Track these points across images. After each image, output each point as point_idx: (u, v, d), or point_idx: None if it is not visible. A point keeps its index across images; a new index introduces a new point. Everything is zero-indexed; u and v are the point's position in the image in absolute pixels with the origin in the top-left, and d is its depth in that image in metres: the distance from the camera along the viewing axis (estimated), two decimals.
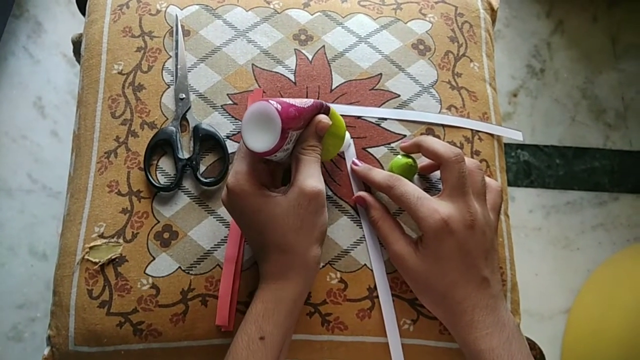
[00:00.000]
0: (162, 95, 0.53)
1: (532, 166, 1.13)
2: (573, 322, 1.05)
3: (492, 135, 0.56)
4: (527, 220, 1.11)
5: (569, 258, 1.10)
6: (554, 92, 1.19)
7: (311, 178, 0.43)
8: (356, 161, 0.52)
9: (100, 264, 0.48)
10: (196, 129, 0.51)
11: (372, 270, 0.50)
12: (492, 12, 0.63)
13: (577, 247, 1.11)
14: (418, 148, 0.49)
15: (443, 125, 0.54)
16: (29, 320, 0.99)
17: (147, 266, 0.49)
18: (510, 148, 1.13)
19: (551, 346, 1.04)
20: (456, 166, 0.46)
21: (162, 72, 0.54)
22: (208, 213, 0.50)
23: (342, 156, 0.52)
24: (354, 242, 0.50)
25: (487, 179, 0.50)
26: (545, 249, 1.10)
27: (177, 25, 0.55)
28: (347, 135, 0.50)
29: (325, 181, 0.51)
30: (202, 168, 0.51)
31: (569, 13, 1.25)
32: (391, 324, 0.49)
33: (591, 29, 1.25)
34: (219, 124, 0.52)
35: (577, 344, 1.03)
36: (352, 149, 0.53)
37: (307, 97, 0.53)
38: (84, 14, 0.62)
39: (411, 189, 0.47)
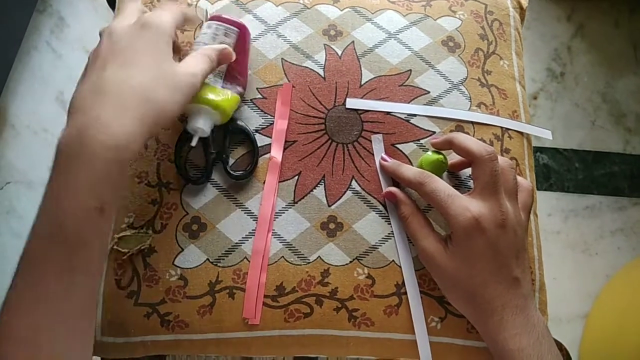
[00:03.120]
0: None
1: (551, 170, 1.12)
2: (591, 327, 1.04)
3: (521, 133, 0.56)
4: (545, 224, 1.10)
5: (588, 263, 1.09)
6: (574, 96, 1.18)
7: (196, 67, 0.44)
8: (385, 157, 0.51)
9: (129, 254, 0.48)
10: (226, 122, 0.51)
11: (400, 267, 0.50)
12: (522, 10, 0.63)
13: (596, 251, 1.10)
14: (449, 145, 0.49)
15: (473, 123, 0.54)
16: None
17: (175, 257, 0.49)
18: None
19: (568, 351, 1.03)
20: (489, 164, 0.45)
21: None
22: (236, 206, 0.50)
23: (370, 152, 0.52)
24: (383, 238, 0.50)
25: (519, 178, 0.49)
26: (563, 253, 1.09)
27: (207, 20, 0.55)
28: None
29: (353, 176, 0.51)
30: (231, 161, 0.51)
31: (590, 17, 1.25)
32: (419, 321, 0.49)
33: (612, 33, 1.24)
34: (249, 118, 0.52)
35: (594, 349, 1.02)
36: (381, 145, 0.52)
37: (335, 93, 0.53)
38: (113, 8, 0.62)
39: (442, 186, 0.46)
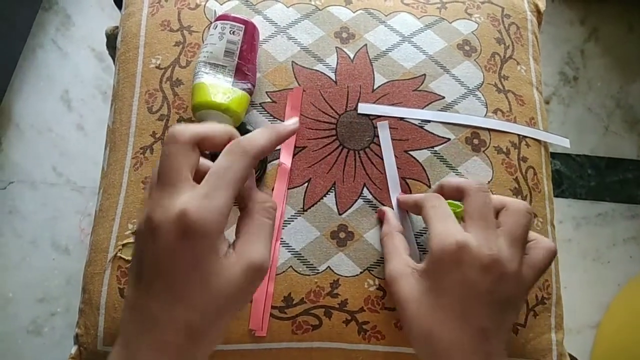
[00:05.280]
0: None
1: (563, 176, 1.10)
2: (602, 337, 1.02)
3: (539, 141, 0.54)
4: (557, 231, 1.07)
5: (599, 271, 1.07)
6: (587, 101, 1.16)
7: (266, 249, 0.34)
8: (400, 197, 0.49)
9: None
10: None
11: None
12: (539, 14, 0.61)
13: (608, 260, 1.08)
14: (439, 193, 0.45)
15: (489, 130, 0.52)
16: (49, 315, 0.98)
17: None
18: None
19: None
20: (479, 194, 0.41)
21: None
22: None
23: (381, 157, 0.50)
24: None
25: (540, 236, 0.42)
26: (575, 262, 1.07)
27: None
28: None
29: (365, 184, 0.50)
30: None
31: (603, 21, 1.22)
32: None
33: (627, 37, 1.22)
34: (258, 123, 0.51)
35: None
36: (387, 131, 0.50)
37: (347, 98, 0.52)
38: (119, 7, 0.61)
39: (445, 209, 0.42)
